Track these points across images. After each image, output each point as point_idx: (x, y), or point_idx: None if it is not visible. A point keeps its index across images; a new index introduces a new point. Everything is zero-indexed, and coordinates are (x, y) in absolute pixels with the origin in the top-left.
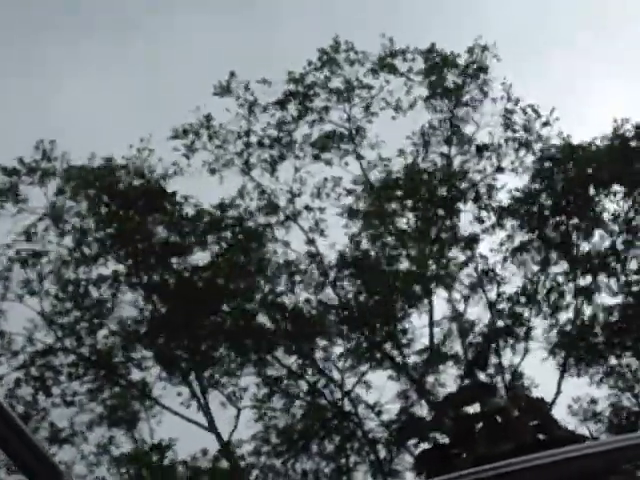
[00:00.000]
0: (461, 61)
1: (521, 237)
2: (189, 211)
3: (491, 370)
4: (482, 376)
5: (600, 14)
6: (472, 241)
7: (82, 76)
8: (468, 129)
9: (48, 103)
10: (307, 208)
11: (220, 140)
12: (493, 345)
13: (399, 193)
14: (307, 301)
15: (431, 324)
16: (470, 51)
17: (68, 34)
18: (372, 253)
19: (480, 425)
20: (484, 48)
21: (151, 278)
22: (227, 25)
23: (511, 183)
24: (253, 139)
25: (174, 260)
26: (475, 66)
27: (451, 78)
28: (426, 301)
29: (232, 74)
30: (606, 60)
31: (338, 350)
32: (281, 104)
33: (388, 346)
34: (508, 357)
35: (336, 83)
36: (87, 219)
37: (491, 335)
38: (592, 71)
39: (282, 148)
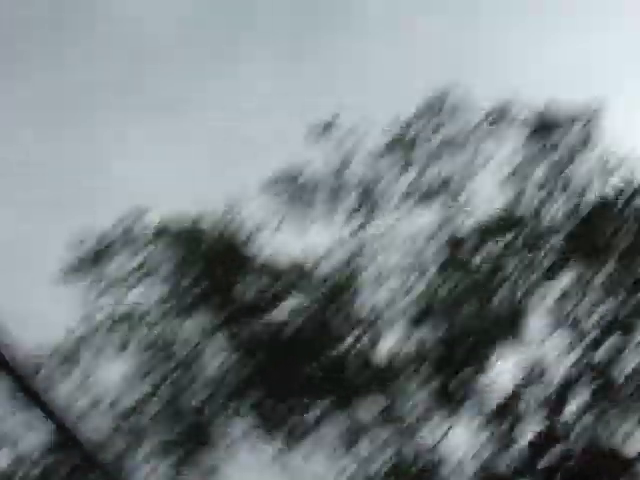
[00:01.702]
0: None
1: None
2: (272, 266)
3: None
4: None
5: None
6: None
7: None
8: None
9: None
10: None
11: (310, 191)
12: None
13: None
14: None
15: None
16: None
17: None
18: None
19: None
20: (595, 111)
21: (240, 332)
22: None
23: None
24: (345, 190)
25: (262, 314)
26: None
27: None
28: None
29: (336, 116)
30: None
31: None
32: (383, 153)
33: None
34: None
35: (439, 135)
36: (176, 276)
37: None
38: None
39: (376, 199)
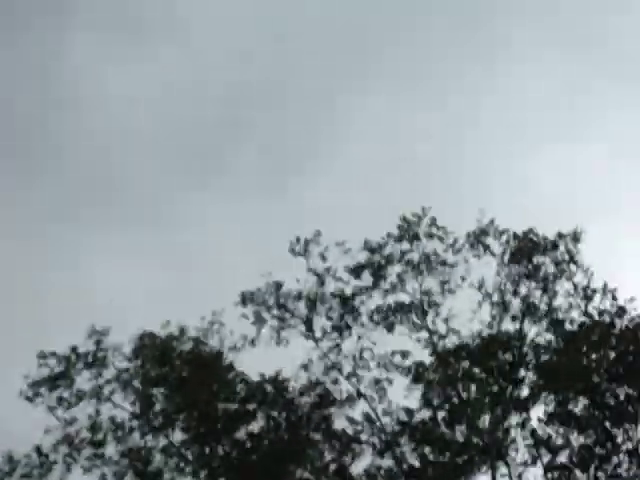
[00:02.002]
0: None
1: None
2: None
3: None
4: None
5: None
6: (529, 404)
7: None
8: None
9: (86, 289)
10: (376, 382)
11: (289, 306)
12: None
13: (467, 362)
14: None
15: None
16: (560, 236)
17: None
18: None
19: None
20: (576, 238)
21: (214, 448)
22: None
23: None
24: (321, 308)
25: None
26: (567, 257)
27: (538, 260)
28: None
29: (317, 233)
30: None
31: None
32: (356, 272)
33: None
34: None
35: (413, 255)
36: (154, 387)
37: None
38: None
39: (349, 317)
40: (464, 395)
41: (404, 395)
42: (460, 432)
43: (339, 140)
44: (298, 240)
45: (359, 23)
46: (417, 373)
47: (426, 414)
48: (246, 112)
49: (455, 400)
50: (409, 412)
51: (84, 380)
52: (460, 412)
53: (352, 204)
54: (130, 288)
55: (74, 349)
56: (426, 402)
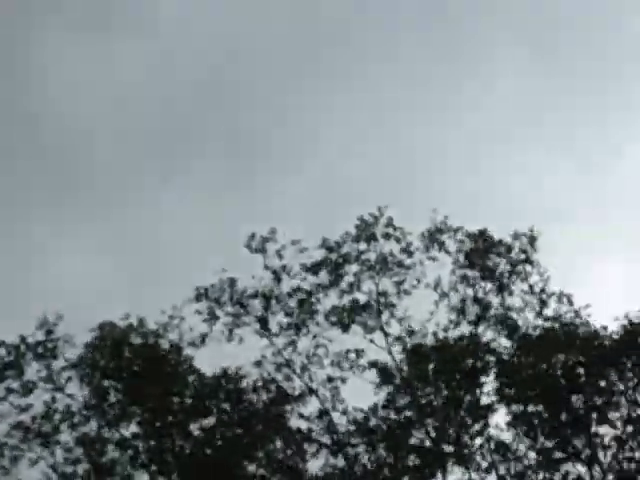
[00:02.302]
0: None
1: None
2: (193, 379)
3: None
4: None
5: None
6: (489, 410)
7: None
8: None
9: (43, 278)
10: (329, 380)
11: (243, 303)
12: None
13: (430, 366)
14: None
15: None
16: (516, 237)
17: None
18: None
19: None
20: (532, 238)
21: (167, 442)
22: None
23: None
24: (275, 305)
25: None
26: (521, 257)
27: (493, 260)
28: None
29: (273, 231)
30: None
31: None
32: (313, 270)
33: None
34: None
35: (370, 255)
36: (108, 379)
37: None
38: None
39: (304, 316)
40: (430, 397)
41: (361, 394)
42: (421, 435)
43: (304, 140)
44: (254, 236)
45: (332, 18)
46: (384, 373)
47: (386, 414)
48: (214, 107)
49: (422, 401)
50: (366, 412)
51: (33, 371)
52: (425, 415)
53: (312, 203)
54: (84, 281)
55: (23, 339)
56: (390, 402)
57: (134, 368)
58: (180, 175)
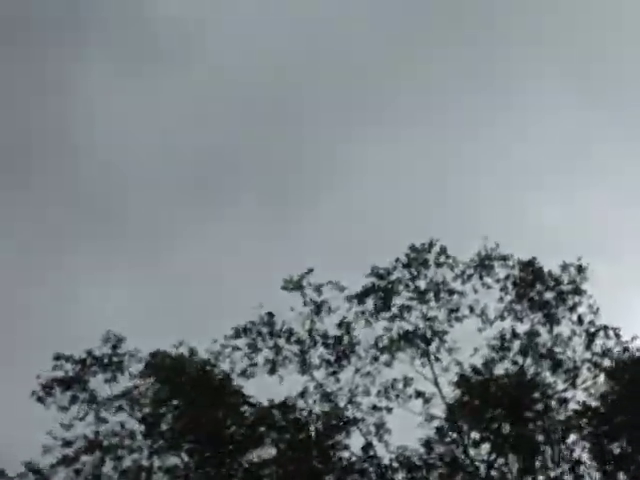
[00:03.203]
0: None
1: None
2: (249, 410)
3: None
4: None
5: None
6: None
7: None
8: (545, 337)
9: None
10: (374, 408)
11: (281, 340)
12: None
13: (476, 402)
14: None
15: None
16: (564, 267)
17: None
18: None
19: None
20: (580, 268)
21: (219, 471)
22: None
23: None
24: (316, 338)
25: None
26: (570, 287)
27: (543, 291)
28: None
29: (310, 271)
30: None
31: None
32: (361, 298)
33: None
34: None
35: (420, 283)
36: (161, 407)
37: None
38: None
39: (344, 348)
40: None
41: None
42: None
43: (338, 178)
44: (292, 278)
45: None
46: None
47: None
48: (248, 148)
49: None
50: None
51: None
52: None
53: (351, 242)
54: (127, 317)
55: (90, 352)
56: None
57: (188, 395)
58: (219, 210)
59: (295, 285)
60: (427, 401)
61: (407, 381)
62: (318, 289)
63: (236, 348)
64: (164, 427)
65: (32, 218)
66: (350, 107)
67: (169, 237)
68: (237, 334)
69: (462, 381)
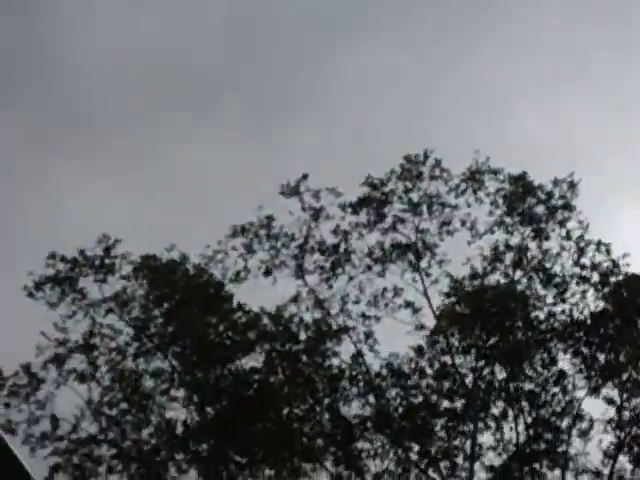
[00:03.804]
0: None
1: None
2: (242, 316)
3: None
4: None
5: None
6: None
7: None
8: (535, 252)
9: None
10: (363, 316)
11: (279, 242)
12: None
13: (461, 311)
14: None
15: (473, 451)
16: (556, 182)
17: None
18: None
19: None
20: (571, 184)
21: (207, 376)
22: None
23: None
24: (312, 244)
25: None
26: (560, 202)
27: (533, 206)
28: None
29: (305, 176)
30: None
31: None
32: (355, 208)
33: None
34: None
35: (414, 195)
36: (150, 311)
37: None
38: None
39: (339, 257)
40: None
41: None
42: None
43: (323, 88)
44: (289, 183)
45: None
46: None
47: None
48: (235, 53)
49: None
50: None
51: (88, 283)
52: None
53: (336, 152)
54: (113, 221)
55: (82, 252)
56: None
57: (178, 300)
58: (206, 120)
59: (293, 190)
60: (416, 311)
61: (397, 291)
62: (316, 195)
63: (232, 248)
64: (153, 331)
65: (16, 125)
66: (349, 12)
67: (155, 142)
68: (234, 234)
69: (452, 290)
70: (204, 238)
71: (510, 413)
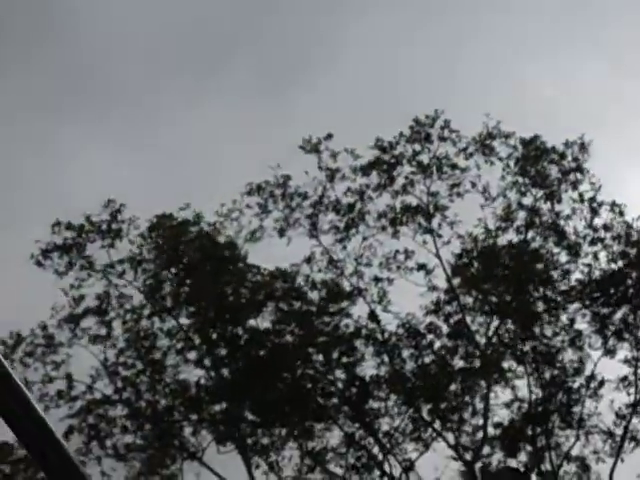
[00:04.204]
0: (558, 154)
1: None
2: (256, 276)
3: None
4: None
5: None
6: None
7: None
8: (547, 214)
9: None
10: (376, 279)
11: (294, 201)
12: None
13: (474, 271)
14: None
15: (486, 407)
16: (567, 144)
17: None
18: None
19: None
20: (582, 146)
21: (222, 335)
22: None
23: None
24: (326, 203)
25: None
26: (574, 164)
27: (545, 168)
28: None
29: (329, 135)
30: None
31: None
32: (365, 171)
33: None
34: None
35: (424, 157)
36: (164, 271)
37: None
38: None
39: (354, 216)
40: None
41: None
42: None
43: (340, 46)
44: (310, 139)
45: None
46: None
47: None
48: (246, 16)
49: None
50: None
51: (96, 249)
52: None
53: (355, 110)
54: (123, 183)
55: (88, 218)
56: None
57: (191, 261)
58: (217, 79)
59: (313, 147)
60: (429, 272)
61: (408, 253)
62: (334, 155)
63: (247, 206)
64: (167, 290)
65: (17, 91)
66: None
67: (165, 108)
68: (250, 192)
69: (465, 250)
70: (218, 200)
71: (523, 371)
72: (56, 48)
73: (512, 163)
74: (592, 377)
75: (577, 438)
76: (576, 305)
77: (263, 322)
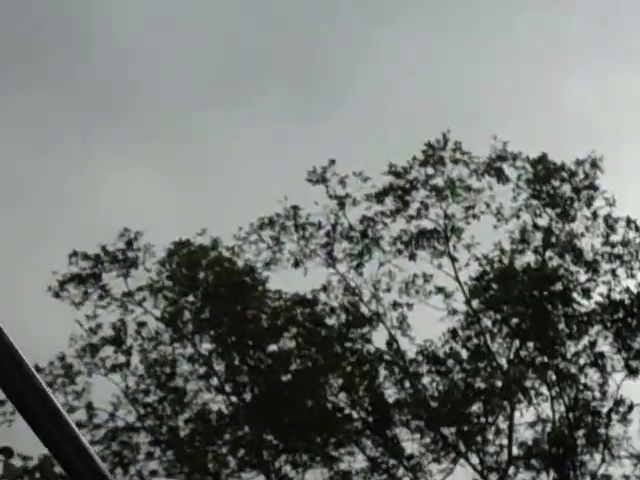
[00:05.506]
0: (569, 172)
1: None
2: (274, 302)
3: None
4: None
5: None
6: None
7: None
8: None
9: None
10: (395, 305)
11: (307, 232)
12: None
13: (492, 293)
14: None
15: (511, 427)
16: (578, 163)
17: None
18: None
19: None
20: (594, 163)
21: (244, 360)
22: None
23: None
24: (340, 232)
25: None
26: (587, 182)
27: (557, 188)
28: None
29: (332, 162)
30: None
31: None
32: (379, 197)
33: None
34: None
35: (437, 180)
36: (184, 295)
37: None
38: None
39: (369, 243)
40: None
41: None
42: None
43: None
44: (315, 170)
45: None
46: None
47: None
48: (277, 43)
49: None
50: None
51: (111, 279)
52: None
53: (369, 136)
54: (144, 202)
55: (104, 247)
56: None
57: (215, 284)
58: (242, 101)
59: (319, 177)
60: (448, 296)
61: (426, 277)
62: (342, 181)
63: (260, 239)
64: (186, 316)
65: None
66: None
67: (189, 128)
68: (261, 226)
69: (483, 273)
70: (237, 223)
71: (547, 393)
72: (94, 65)
73: (523, 183)
74: (621, 401)
75: (603, 460)
76: (597, 327)
77: (284, 347)
